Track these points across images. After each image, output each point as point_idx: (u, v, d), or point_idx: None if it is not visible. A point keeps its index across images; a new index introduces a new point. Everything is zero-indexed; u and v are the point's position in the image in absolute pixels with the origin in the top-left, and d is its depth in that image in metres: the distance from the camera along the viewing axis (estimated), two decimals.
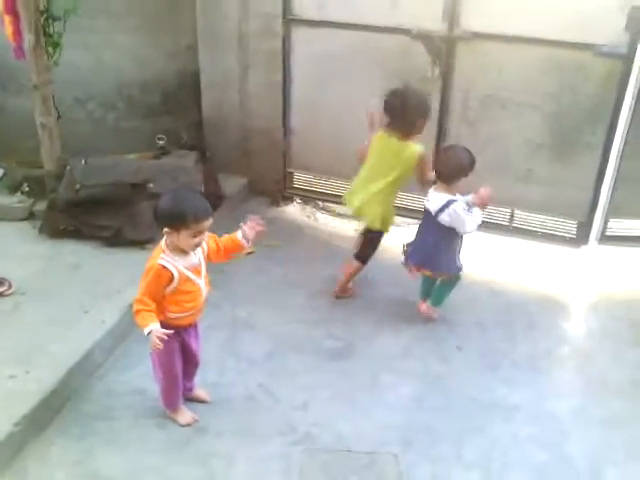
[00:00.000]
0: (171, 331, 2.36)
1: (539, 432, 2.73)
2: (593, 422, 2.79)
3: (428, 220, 3.20)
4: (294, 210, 4.66)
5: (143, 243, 3.68)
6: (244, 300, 3.53)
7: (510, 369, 3.10)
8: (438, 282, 3.35)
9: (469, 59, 3.90)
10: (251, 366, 3.01)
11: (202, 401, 2.78)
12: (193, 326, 2.60)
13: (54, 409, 2.65)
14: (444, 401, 2.89)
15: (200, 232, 2.34)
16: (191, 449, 2.56)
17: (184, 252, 2.39)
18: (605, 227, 4.04)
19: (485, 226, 4.18)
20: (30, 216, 3.95)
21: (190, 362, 2.67)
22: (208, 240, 2.50)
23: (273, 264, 3.89)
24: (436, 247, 3.21)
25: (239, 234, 2.54)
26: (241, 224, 2.55)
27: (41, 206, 3.91)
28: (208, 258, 2.52)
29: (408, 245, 3.38)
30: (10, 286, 3.25)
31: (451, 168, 3.11)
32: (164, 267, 2.34)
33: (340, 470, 2.50)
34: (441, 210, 3.08)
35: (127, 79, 4.63)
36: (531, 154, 3.95)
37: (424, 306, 3.42)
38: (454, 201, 3.08)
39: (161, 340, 2.28)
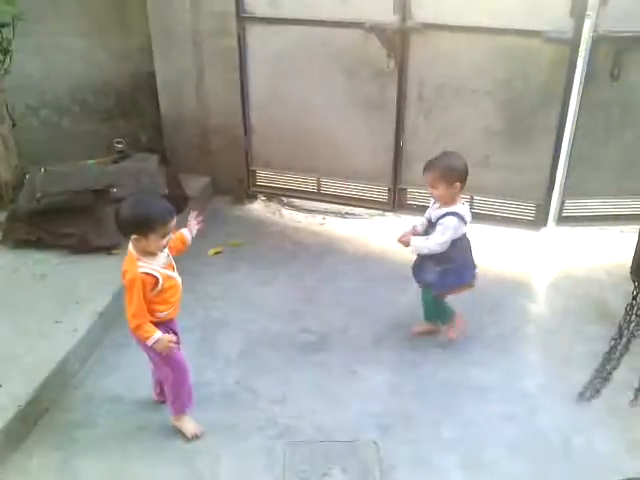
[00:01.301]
0: (174, 337, 2.47)
1: (511, 409, 2.83)
2: (560, 396, 2.90)
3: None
4: (259, 207, 4.68)
5: (109, 249, 3.65)
6: (216, 299, 3.55)
7: (479, 351, 3.19)
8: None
9: (422, 50, 3.97)
10: (228, 364, 3.04)
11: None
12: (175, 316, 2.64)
13: (31, 420, 2.63)
14: (419, 387, 2.96)
15: (167, 232, 2.38)
16: (174, 450, 2.57)
17: (154, 254, 2.42)
18: (562, 208, 4.18)
19: None
20: None
21: None
22: None
23: (242, 262, 3.91)
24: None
25: (184, 230, 2.66)
26: (188, 225, 2.68)
27: (1, 217, 3.83)
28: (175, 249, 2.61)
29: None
30: None
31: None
32: (147, 274, 2.37)
33: (322, 460, 2.55)
34: None
35: (80, 83, 4.59)
36: (487, 140, 4.06)
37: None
38: None
39: (172, 342, 2.42)
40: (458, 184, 2.90)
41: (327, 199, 4.58)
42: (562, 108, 3.86)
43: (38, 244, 3.68)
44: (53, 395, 2.77)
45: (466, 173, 2.94)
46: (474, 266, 3.11)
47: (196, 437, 2.62)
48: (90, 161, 4.18)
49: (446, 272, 3.00)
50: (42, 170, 3.82)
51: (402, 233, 3.05)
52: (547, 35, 3.70)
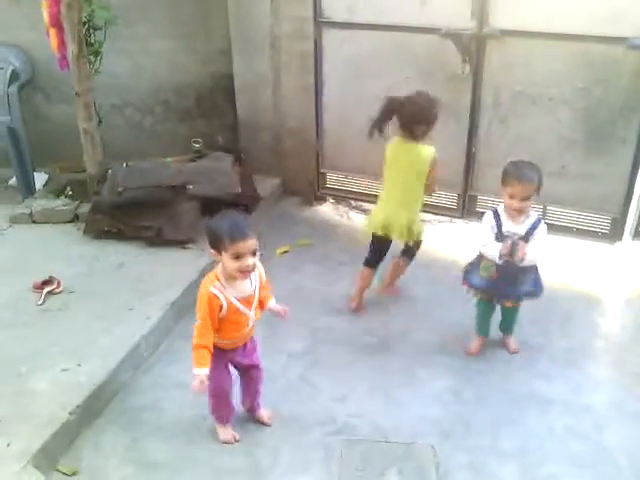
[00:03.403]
0: (205, 388, 2.37)
1: (575, 424, 2.76)
2: (629, 415, 2.81)
3: None
4: (327, 209, 4.74)
5: (183, 243, 3.81)
6: (281, 298, 3.60)
7: (546, 364, 3.13)
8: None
9: (499, 56, 3.93)
10: (291, 360, 3.10)
11: (263, 423, 2.74)
12: (240, 346, 2.57)
13: (104, 400, 2.78)
14: (481, 394, 2.93)
15: (239, 255, 2.26)
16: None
17: (234, 279, 2.35)
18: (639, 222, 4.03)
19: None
20: (74, 218, 4.11)
21: (247, 377, 2.66)
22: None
23: (308, 263, 3.98)
24: None
25: (271, 302, 2.59)
26: (276, 306, 2.61)
27: (85, 209, 4.06)
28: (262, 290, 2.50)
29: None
30: (59, 285, 3.40)
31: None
32: (215, 295, 2.33)
33: (378, 460, 2.57)
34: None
35: (163, 84, 4.79)
36: (564, 150, 3.97)
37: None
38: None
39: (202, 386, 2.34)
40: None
41: None
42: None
43: (118, 235, 3.87)
44: (124, 378, 2.92)
45: None
46: None
47: (226, 443, 2.63)
48: (168, 159, 4.37)
49: (538, 276, 3.05)
50: (124, 165, 4.02)
51: (505, 247, 2.86)
52: (631, 42, 3.59)
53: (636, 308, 3.55)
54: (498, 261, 2.90)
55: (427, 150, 3.20)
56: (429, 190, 3.35)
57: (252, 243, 2.29)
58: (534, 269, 3.02)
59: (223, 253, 2.29)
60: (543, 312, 3.51)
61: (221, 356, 2.48)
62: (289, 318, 2.64)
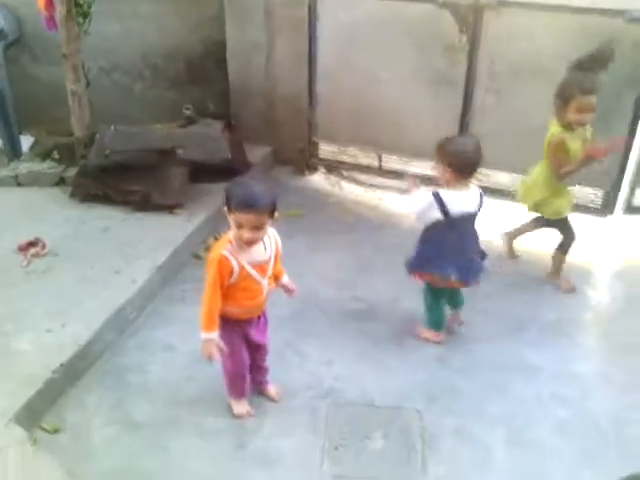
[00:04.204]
0: (223, 347, 2.28)
1: (562, 391, 2.76)
2: (615, 383, 2.81)
3: (468, 224, 2.85)
4: (319, 179, 4.69)
5: (171, 208, 3.76)
6: None
7: (535, 333, 3.12)
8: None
9: (496, 27, 3.87)
10: (279, 325, 3.06)
11: (271, 399, 2.67)
12: (255, 319, 2.50)
13: (89, 360, 2.75)
14: (468, 361, 2.93)
15: (240, 224, 2.18)
16: (221, 402, 2.63)
17: (246, 246, 2.26)
18: (631, 196, 4.02)
19: (508, 195, 4.20)
20: (61, 182, 4.06)
21: (255, 355, 2.58)
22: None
23: (298, 231, 3.93)
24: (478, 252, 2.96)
25: (285, 279, 2.52)
26: (289, 282, 2.54)
27: (71, 172, 4.00)
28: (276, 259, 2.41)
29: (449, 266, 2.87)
30: (44, 247, 3.35)
31: (472, 160, 2.77)
32: (226, 258, 2.24)
33: (364, 423, 2.57)
34: (481, 202, 2.84)
35: (152, 48, 4.70)
36: None
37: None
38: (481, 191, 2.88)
39: (218, 350, 2.25)
40: (446, 167, 2.75)
41: (387, 175, 4.56)
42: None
43: (105, 199, 3.82)
44: (110, 339, 2.89)
45: (456, 157, 2.74)
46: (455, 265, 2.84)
47: (240, 417, 2.56)
48: (158, 126, 4.30)
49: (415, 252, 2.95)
50: (112, 128, 3.95)
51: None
52: (629, 15, 3.54)
53: (626, 280, 3.55)
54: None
55: (552, 129, 3.18)
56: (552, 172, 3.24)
57: (255, 218, 2.16)
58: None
59: (230, 215, 2.21)
60: (533, 283, 3.51)
61: (236, 330, 2.39)
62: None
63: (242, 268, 2.27)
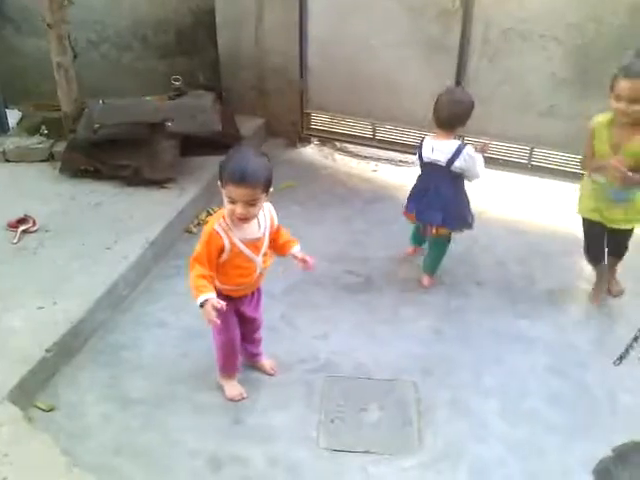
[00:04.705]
0: (224, 303, 2.14)
1: (556, 362, 2.76)
2: (609, 353, 2.81)
3: (438, 173, 2.97)
4: (312, 151, 4.64)
5: (162, 182, 3.71)
6: None
7: (529, 304, 3.12)
8: (429, 243, 3.21)
9: None
10: (272, 299, 3.05)
11: (266, 373, 2.65)
12: (249, 294, 2.45)
13: (83, 338, 2.73)
14: (463, 333, 2.93)
15: (234, 199, 2.10)
16: (216, 377, 2.63)
17: (240, 222, 2.19)
18: None
19: (503, 164, 4.16)
20: (50, 157, 3.99)
21: (247, 328, 2.54)
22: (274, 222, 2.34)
23: (292, 203, 3.91)
24: (457, 200, 3.04)
25: (295, 249, 2.42)
26: (301, 253, 2.44)
27: (60, 147, 3.93)
28: (272, 237, 2.35)
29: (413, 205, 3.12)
30: (34, 223, 3.30)
31: (454, 113, 2.90)
32: (217, 233, 2.17)
33: (360, 396, 2.57)
34: (454, 157, 2.89)
35: (141, 19, 4.58)
36: (553, 89, 3.87)
37: (427, 279, 3.22)
38: (465, 145, 2.95)
39: (218, 311, 2.10)
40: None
41: (382, 145, 4.50)
42: (637, 56, 3.62)
43: (95, 174, 3.77)
44: (103, 316, 2.87)
45: (434, 108, 2.95)
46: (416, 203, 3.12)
47: (232, 400, 2.51)
48: (147, 98, 4.22)
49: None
50: (100, 102, 3.87)
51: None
52: None
53: None
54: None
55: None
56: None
57: (249, 193, 2.07)
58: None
59: (222, 189, 2.14)
60: (527, 254, 3.50)
61: (229, 305, 2.26)
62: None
63: (234, 245, 2.21)
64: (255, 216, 2.21)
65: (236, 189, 2.08)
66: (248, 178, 2.07)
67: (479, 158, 2.96)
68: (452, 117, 2.90)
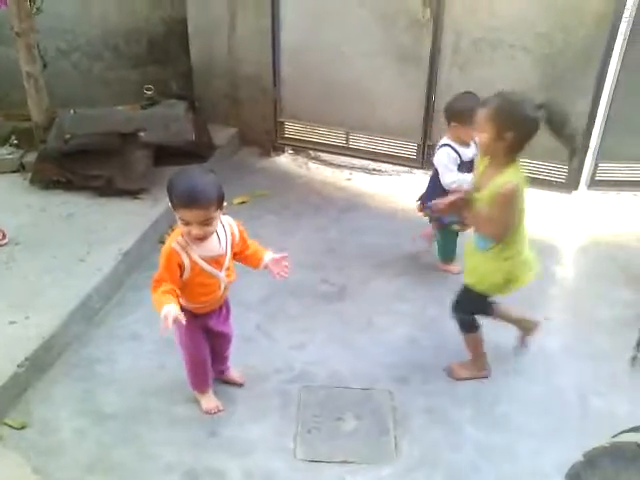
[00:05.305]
0: (181, 318, 2.01)
1: (529, 367, 2.81)
2: (581, 356, 2.87)
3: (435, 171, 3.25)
4: (286, 160, 4.65)
5: (135, 193, 3.68)
6: None
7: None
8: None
9: (460, 0, 3.84)
10: (248, 310, 3.06)
11: (235, 384, 2.64)
12: (217, 309, 2.40)
13: (56, 352, 2.70)
14: (438, 342, 2.95)
15: (188, 222, 2.04)
16: (191, 389, 2.61)
17: (201, 242, 2.14)
18: (595, 171, 4.07)
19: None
20: (20, 168, 3.95)
21: (217, 343, 2.49)
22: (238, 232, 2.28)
23: (266, 213, 3.91)
24: (432, 187, 3.25)
25: (267, 256, 2.35)
26: (273, 256, 2.37)
27: (31, 158, 3.89)
28: (235, 249, 2.28)
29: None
30: (4, 236, 3.26)
31: (447, 110, 3.15)
32: (175, 251, 2.11)
33: (336, 405, 2.58)
34: (437, 151, 3.17)
35: (112, 28, 4.55)
36: None
37: (443, 266, 3.43)
38: (445, 145, 3.10)
39: (176, 322, 1.98)
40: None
41: (355, 154, 4.53)
42: (602, 67, 3.72)
43: (67, 185, 3.73)
44: (76, 330, 2.83)
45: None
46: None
47: (209, 413, 2.49)
48: (119, 107, 4.19)
49: None
50: (72, 112, 3.84)
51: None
52: None
53: (591, 256, 3.62)
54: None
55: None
56: None
57: (200, 213, 2.02)
58: None
59: (175, 211, 2.07)
60: None
61: (194, 321, 2.25)
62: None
63: (194, 263, 2.15)
64: (212, 233, 2.16)
65: (189, 212, 2.03)
66: (199, 199, 2.01)
67: (450, 167, 3.07)
68: (446, 110, 3.16)
